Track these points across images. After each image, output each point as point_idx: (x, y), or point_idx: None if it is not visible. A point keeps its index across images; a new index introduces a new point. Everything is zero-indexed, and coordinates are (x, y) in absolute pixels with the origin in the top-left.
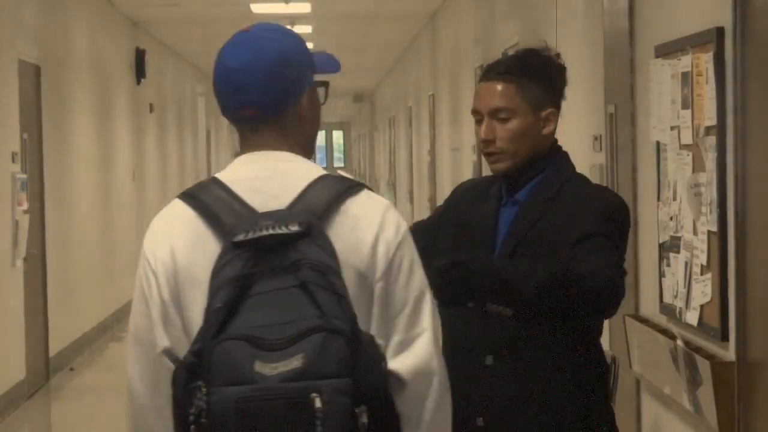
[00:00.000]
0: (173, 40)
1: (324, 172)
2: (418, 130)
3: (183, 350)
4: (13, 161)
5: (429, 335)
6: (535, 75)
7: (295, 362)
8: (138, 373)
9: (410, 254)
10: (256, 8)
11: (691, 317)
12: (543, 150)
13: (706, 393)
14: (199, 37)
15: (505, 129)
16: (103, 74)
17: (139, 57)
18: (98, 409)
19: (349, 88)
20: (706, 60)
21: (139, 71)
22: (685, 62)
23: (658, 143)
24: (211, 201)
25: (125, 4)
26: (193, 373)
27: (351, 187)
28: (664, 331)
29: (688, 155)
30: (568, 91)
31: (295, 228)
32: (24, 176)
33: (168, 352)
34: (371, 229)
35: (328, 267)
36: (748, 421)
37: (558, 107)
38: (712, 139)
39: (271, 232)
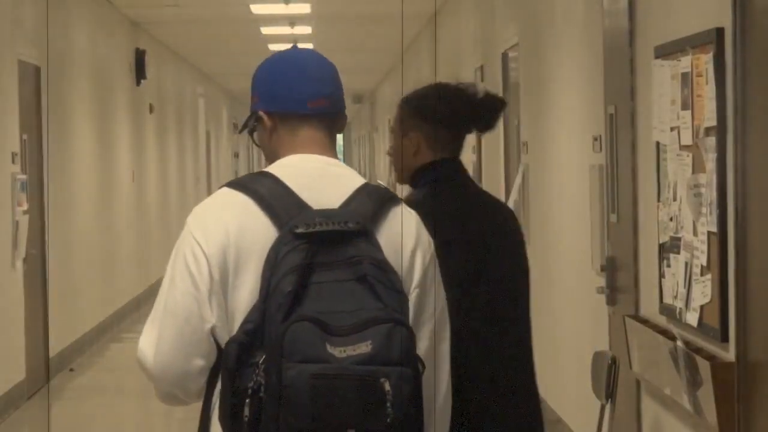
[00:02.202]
0: (173, 41)
1: (365, 180)
2: None
3: (223, 329)
4: (13, 162)
5: (447, 346)
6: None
7: (363, 347)
8: (171, 346)
9: (436, 267)
10: (256, 9)
11: (691, 318)
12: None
13: (706, 393)
14: (199, 37)
15: None
16: (103, 75)
17: (139, 58)
18: (98, 409)
19: (349, 89)
20: (706, 61)
21: (139, 72)
22: (685, 63)
23: (658, 144)
24: (264, 191)
25: (125, 4)
26: (246, 350)
27: (392, 198)
28: (664, 332)
29: (688, 156)
30: (568, 92)
31: (352, 226)
32: (24, 177)
33: (213, 330)
34: (410, 239)
35: (387, 264)
36: (748, 421)
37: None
38: (712, 140)
39: (331, 227)
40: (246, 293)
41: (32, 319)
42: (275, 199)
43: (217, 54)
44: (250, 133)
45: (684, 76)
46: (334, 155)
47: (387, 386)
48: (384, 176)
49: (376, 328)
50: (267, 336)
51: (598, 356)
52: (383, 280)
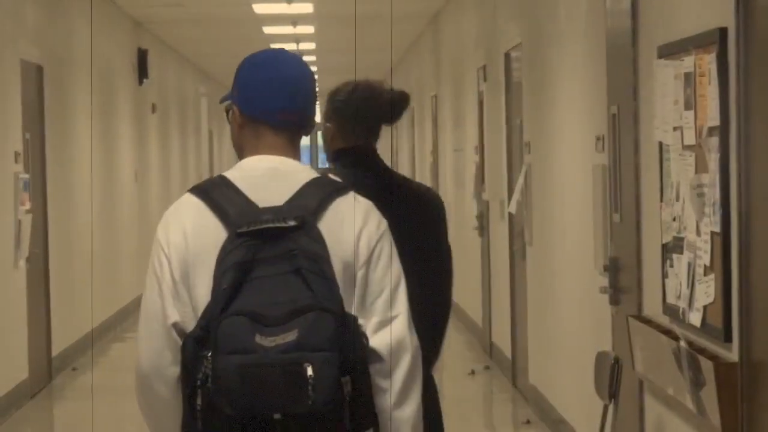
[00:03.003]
0: (176, 40)
1: (317, 174)
2: (420, 130)
3: (190, 324)
4: (16, 161)
5: (404, 318)
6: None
7: (290, 336)
8: (146, 344)
9: (388, 247)
10: (259, 8)
11: (694, 318)
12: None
13: (710, 394)
14: (201, 37)
15: None
16: (106, 74)
17: (142, 57)
18: (101, 409)
19: None
20: (709, 61)
21: (142, 71)
22: (688, 63)
23: (660, 144)
24: (217, 195)
25: (127, 3)
26: (200, 344)
27: (340, 189)
28: (667, 332)
29: (690, 156)
30: (570, 92)
31: (291, 222)
32: (26, 176)
33: (176, 326)
34: (356, 225)
35: (320, 256)
36: (751, 421)
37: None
38: (715, 140)
39: (270, 225)
40: (203, 291)
41: (35, 318)
42: (226, 201)
43: (220, 53)
44: (227, 112)
45: (687, 76)
46: (294, 156)
47: (310, 371)
48: None
49: (303, 317)
50: (211, 331)
51: (601, 356)
52: (315, 270)
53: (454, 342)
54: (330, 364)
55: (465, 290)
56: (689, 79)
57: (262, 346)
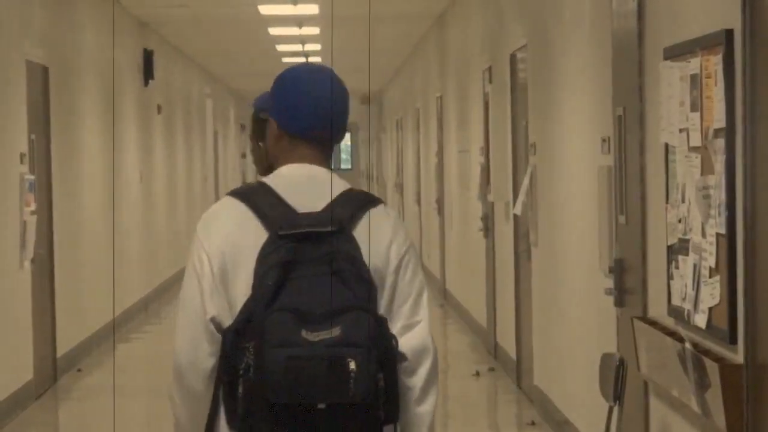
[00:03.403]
0: (181, 42)
1: (350, 186)
2: (425, 131)
3: (225, 318)
4: (21, 162)
5: (426, 323)
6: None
7: (334, 332)
8: (182, 335)
9: (414, 258)
10: (264, 10)
11: (700, 320)
12: None
13: (715, 396)
14: (207, 38)
15: None
16: (111, 75)
17: (147, 58)
18: (106, 410)
19: (357, 90)
20: (715, 62)
21: (147, 72)
22: (694, 64)
23: (666, 145)
24: (258, 199)
25: (133, 4)
26: (240, 336)
27: (372, 201)
28: (672, 334)
29: (696, 157)
30: (576, 93)
31: (329, 227)
32: (32, 177)
33: (213, 320)
34: (387, 235)
35: (357, 259)
36: (756, 423)
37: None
38: (720, 142)
39: (310, 229)
40: (242, 287)
41: (40, 320)
42: (266, 205)
43: (225, 54)
44: (254, 118)
45: (693, 77)
46: (326, 165)
47: (352, 365)
48: (391, 178)
49: (345, 315)
50: (255, 325)
51: (606, 358)
52: (354, 272)
53: (458, 343)
54: (370, 360)
55: (470, 291)
56: (695, 80)
57: (308, 341)
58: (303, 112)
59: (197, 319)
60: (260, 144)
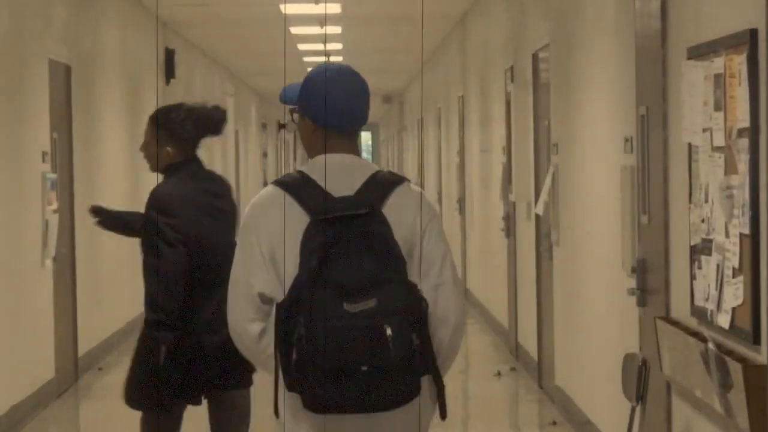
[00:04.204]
0: (203, 41)
1: (377, 168)
2: (447, 131)
3: (277, 293)
4: (44, 161)
5: (451, 283)
6: (159, 121)
7: (371, 303)
8: (233, 308)
9: (438, 226)
10: (286, 9)
11: (723, 320)
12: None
13: (738, 396)
14: (228, 37)
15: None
16: (133, 74)
17: (169, 57)
18: (126, 409)
19: (378, 89)
20: (739, 62)
21: (169, 71)
22: (717, 64)
23: (689, 145)
24: (299, 187)
25: (155, 4)
26: (291, 311)
27: (398, 181)
28: (695, 334)
29: (720, 157)
30: (599, 93)
31: (362, 210)
32: (54, 176)
33: (262, 295)
34: (411, 209)
35: (388, 237)
36: None
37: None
38: (744, 141)
39: (346, 212)
40: (290, 267)
41: (61, 318)
42: (306, 192)
43: (247, 53)
44: (291, 113)
45: (717, 77)
46: (355, 152)
47: (389, 331)
48: (412, 177)
49: (380, 287)
50: (302, 300)
51: (628, 358)
52: (386, 248)
53: (480, 343)
54: (404, 325)
55: (491, 291)
56: (719, 80)
57: (349, 312)
58: (333, 108)
59: (243, 290)
60: (152, 143)
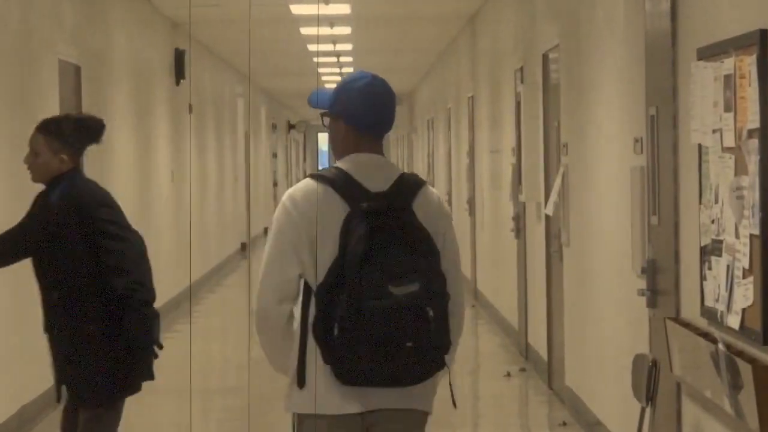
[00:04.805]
0: (213, 41)
1: (402, 170)
2: (456, 132)
3: (311, 276)
4: None
5: (460, 279)
6: (51, 131)
7: (413, 287)
8: (266, 287)
9: (451, 228)
10: (296, 9)
11: (733, 321)
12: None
13: (748, 397)
14: (238, 37)
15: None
16: (143, 75)
17: (178, 57)
18: (140, 408)
19: None
20: (749, 62)
21: (178, 72)
22: (727, 65)
23: (699, 146)
24: (336, 179)
25: (165, 4)
26: (332, 291)
27: (422, 182)
28: (705, 335)
29: (730, 158)
30: (608, 93)
31: (399, 203)
32: None
33: (299, 277)
34: (435, 209)
35: (423, 229)
36: None
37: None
38: (754, 142)
39: (386, 205)
40: (327, 252)
41: None
42: (344, 185)
43: (257, 54)
44: (322, 116)
45: (727, 78)
46: (381, 152)
47: (431, 313)
48: (423, 174)
49: (421, 273)
50: (348, 281)
51: (638, 359)
52: (423, 240)
53: (489, 344)
54: (443, 308)
55: (501, 292)
56: (729, 81)
57: (394, 294)
58: (365, 113)
59: (281, 275)
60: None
